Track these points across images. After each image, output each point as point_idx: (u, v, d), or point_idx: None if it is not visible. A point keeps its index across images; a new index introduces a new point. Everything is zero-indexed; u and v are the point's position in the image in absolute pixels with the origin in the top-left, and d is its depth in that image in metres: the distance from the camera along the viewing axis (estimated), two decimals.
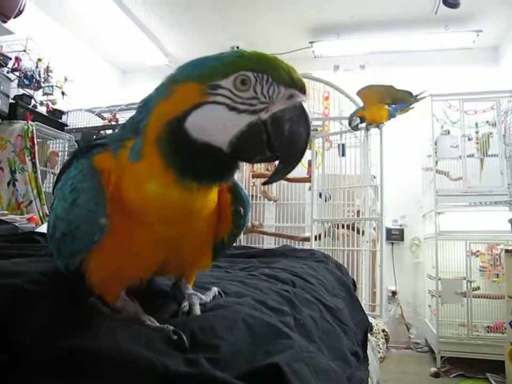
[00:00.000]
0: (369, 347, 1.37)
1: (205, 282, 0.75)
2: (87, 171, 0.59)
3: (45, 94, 3.60)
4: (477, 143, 3.79)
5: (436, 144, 3.82)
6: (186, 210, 0.58)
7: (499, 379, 3.13)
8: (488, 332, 3.51)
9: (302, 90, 0.57)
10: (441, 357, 3.46)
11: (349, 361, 0.84)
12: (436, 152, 3.80)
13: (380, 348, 3.59)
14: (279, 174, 0.59)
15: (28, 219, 2.67)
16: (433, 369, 3.36)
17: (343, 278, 1.58)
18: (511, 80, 3.94)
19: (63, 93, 3.69)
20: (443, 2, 3.53)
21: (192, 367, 0.42)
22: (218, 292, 0.72)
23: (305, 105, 0.56)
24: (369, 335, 1.44)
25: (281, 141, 0.56)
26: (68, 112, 3.83)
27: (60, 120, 3.66)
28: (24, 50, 3.35)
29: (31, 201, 2.98)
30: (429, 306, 4.00)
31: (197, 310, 0.62)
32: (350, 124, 3.07)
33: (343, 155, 3.35)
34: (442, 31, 4.22)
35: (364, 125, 3.13)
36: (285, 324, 0.62)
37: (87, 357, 0.42)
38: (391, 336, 4.08)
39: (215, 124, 0.54)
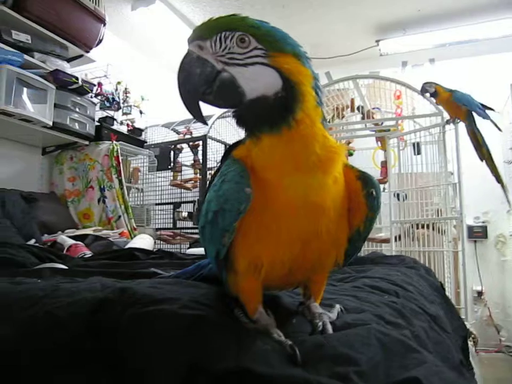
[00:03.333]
0: (469, 354, 1.35)
1: (323, 297, 0.79)
2: (230, 162, 0.69)
3: (124, 113, 3.85)
4: None
5: None
6: (290, 155, 0.64)
7: None
8: None
9: (188, 40, 0.67)
10: None
11: (462, 371, 0.85)
12: None
13: None
14: None
15: (119, 234, 2.88)
16: None
17: (435, 283, 1.57)
18: None
19: (140, 112, 3.93)
20: None
21: (344, 382, 0.47)
22: (341, 308, 0.76)
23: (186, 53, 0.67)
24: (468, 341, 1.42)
25: None
26: (146, 129, 4.06)
27: (139, 138, 3.89)
28: (105, 76, 3.59)
29: (119, 216, 3.19)
30: None
31: (330, 328, 0.66)
32: (422, 90, 2.96)
33: (419, 153, 3.28)
34: None
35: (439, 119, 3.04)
36: (407, 337, 0.65)
37: (252, 379, 0.48)
38: (479, 339, 3.90)
39: None
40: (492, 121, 2.85)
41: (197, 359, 0.52)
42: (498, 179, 2.89)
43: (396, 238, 3.23)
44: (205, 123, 0.72)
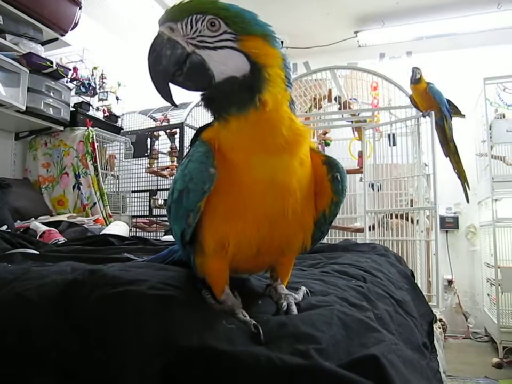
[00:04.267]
0: (434, 338, 1.40)
1: (291, 281, 0.82)
2: (198, 144, 0.71)
3: (100, 99, 3.79)
4: None
5: (490, 128, 3.71)
6: (257, 137, 0.66)
7: None
8: None
9: (160, 22, 0.68)
10: (504, 347, 3.38)
11: (424, 352, 0.88)
12: (490, 137, 3.70)
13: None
14: None
15: (94, 220, 2.85)
16: (496, 360, 3.29)
17: (405, 271, 1.61)
18: None
19: (117, 98, 3.87)
20: None
21: (305, 359, 0.49)
22: (306, 291, 0.78)
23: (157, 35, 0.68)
24: (434, 326, 1.47)
25: None
26: (122, 116, 4.01)
27: (115, 124, 3.84)
28: (81, 60, 3.53)
29: (94, 203, 3.16)
30: (488, 295, 3.90)
31: (294, 309, 0.69)
32: (413, 76, 3.00)
33: (394, 144, 3.33)
34: (495, 10, 4.06)
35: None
36: (369, 318, 0.67)
37: (215, 356, 0.49)
38: (449, 326, 4.02)
39: None
40: (447, 125, 2.96)
41: (163, 338, 0.54)
42: (461, 176, 3.01)
43: (370, 227, 3.29)
44: (174, 104, 0.72)
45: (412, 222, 3.22)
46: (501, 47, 4.41)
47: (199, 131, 0.77)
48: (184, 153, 3.64)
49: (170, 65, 0.66)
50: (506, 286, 3.45)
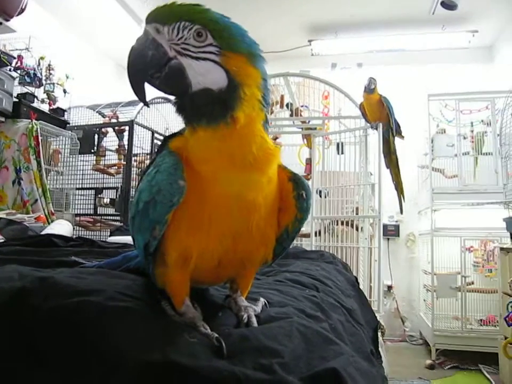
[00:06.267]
0: (379, 344, 1.45)
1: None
2: (165, 153, 0.70)
3: (46, 91, 3.62)
4: (472, 141, 3.90)
5: (432, 142, 3.91)
6: (226, 151, 0.65)
7: (491, 370, 3.25)
8: (480, 325, 3.64)
9: (147, 19, 0.67)
10: (436, 349, 3.57)
11: (372, 360, 0.91)
12: (432, 150, 3.89)
13: None
14: None
15: (35, 218, 2.72)
16: (428, 362, 3.47)
17: (351, 278, 1.66)
18: (505, 80, 4.03)
19: (64, 91, 3.71)
20: (441, 4, 3.62)
21: (269, 374, 0.49)
22: (265, 302, 0.78)
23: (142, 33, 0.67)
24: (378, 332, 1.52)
25: None
26: (69, 110, 3.85)
27: (61, 118, 3.68)
28: (27, 49, 3.36)
29: (36, 200, 3.01)
30: (424, 300, 4.11)
31: (254, 321, 0.69)
32: (368, 85, 3.09)
33: (342, 153, 3.42)
34: (439, 31, 4.31)
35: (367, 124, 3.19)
36: (325, 330, 0.69)
37: (178, 372, 0.48)
38: (387, 329, 4.17)
39: None
40: (392, 138, 3.08)
41: (124, 353, 0.52)
42: (398, 187, 3.14)
43: (316, 233, 3.36)
44: (146, 103, 0.72)
45: (357, 229, 3.32)
46: (444, 65, 4.67)
47: (167, 140, 0.76)
48: (134, 152, 3.59)
49: (149, 66, 0.66)
50: (441, 292, 3.65)
